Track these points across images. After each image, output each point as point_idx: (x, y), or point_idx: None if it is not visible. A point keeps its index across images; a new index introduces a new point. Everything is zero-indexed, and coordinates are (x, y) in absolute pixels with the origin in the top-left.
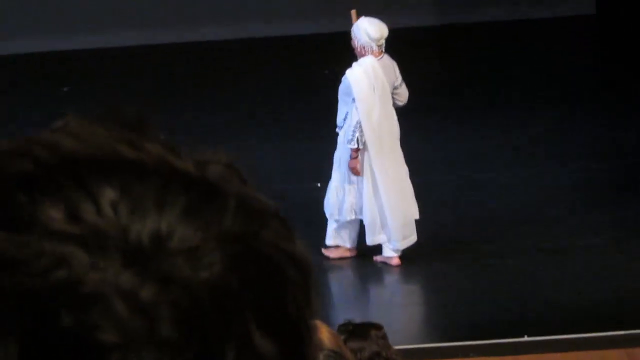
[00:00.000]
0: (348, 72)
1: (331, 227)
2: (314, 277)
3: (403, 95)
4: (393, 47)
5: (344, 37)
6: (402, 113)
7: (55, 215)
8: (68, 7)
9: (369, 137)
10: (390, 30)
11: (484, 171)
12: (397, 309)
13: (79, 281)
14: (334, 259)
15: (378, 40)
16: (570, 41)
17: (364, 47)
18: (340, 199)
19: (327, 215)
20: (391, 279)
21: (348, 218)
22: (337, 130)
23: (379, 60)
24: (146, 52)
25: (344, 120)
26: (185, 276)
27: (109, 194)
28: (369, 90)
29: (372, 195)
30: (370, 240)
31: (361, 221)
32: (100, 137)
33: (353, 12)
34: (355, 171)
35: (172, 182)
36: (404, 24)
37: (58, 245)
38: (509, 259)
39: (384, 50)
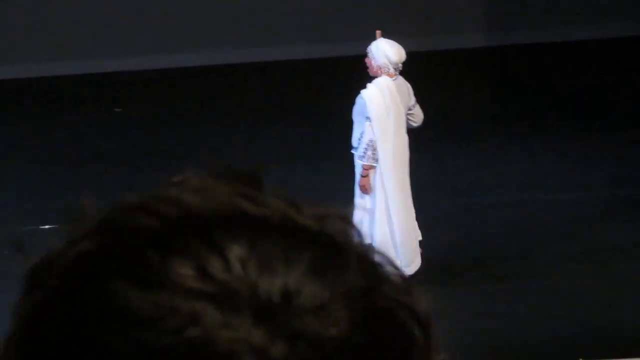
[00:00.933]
0: (363, 92)
1: None
2: (433, 331)
3: (418, 116)
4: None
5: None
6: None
7: (186, 272)
8: (120, 29)
9: (382, 156)
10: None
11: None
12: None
13: (212, 339)
14: None
15: (396, 63)
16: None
17: (380, 68)
18: (366, 224)
19: None
20: None
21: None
22: (352, 151)
23: (393, 80)
24: (204, 73)
25: (359, 140)
26: (314, 333)
27: (237, 251)
28: (384, 109)
29: (383, 215)
30: None
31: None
32: (223, 194)
33: (378, 33)
34: (364, 189)
35: (296, 238)
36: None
37: (190, 302)
38: (549, 278)
39: (399, 73)
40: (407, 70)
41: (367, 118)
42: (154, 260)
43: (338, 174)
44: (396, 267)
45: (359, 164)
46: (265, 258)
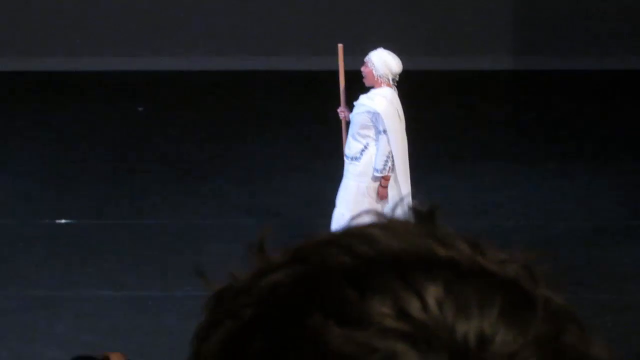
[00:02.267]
0: (373, 104)
1: None
2: None
3: None
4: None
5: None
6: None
7: (385, 311)
8: (149, 28)
9: (399, 165)
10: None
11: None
12: None
13: None
14: None
15: (397, 74)
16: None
17: (380, 77)
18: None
19: None
20: None
21: None
22: (346, 159)
23: (394, 91)
24: (222, 78)
25: (362, 152)
26: None
27: (433, 292)
28: (398, 120)
29: None
30: None
31: None
32: (412, 234)
33: (340, 47)
34: (384, 198)
35: (486, 283)
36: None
37: (389, 342)
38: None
39: (396, 84)
40: (426, 87)
41: (383, 131)
42: (352, 298)
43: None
44: (576, 316)
45: (359, 174)
46: (461, 301)
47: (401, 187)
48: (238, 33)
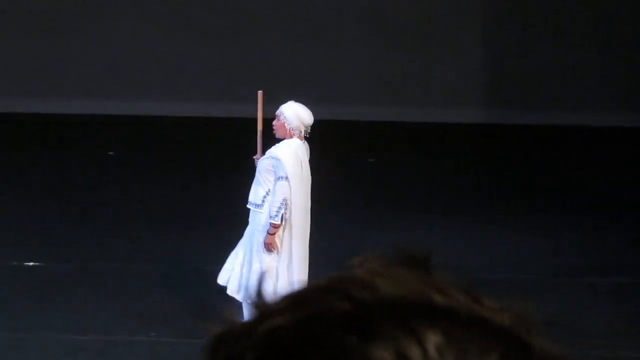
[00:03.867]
0: (277, 152)
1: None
2: None
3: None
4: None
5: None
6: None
7: (386, 357)
8: (122, 73)
9: (296, 215)
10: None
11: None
12: None
13: None
14: None
15: (309, 126)
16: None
17: (292, 130)
18: (271, 281)
19: (248, 300)
20: None
21: None
22: (249, 206)
23: (302, 143)
24: (194, 123)
25: (264, 198)
26: None
27: (434, 339)
28: (299, 168)
29: (286, 272)
30: None
31: None
32: (411, 281)
33: (260, 93)
34: (270, 247)
35: (485, 331)
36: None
37: None
38: None
39: (307, 136)
40: (402, 140)
41: (281, 177)
42: (353, 343)
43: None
44: None
45: (259, 220)
46: (460, 349)
47: (294, 240)
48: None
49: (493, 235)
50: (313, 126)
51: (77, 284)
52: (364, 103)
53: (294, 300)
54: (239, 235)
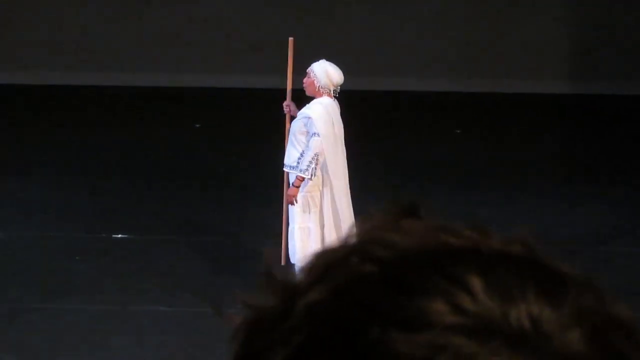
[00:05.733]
0: (309, 111)
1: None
2: None
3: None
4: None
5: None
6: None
7: (441, 309)
8: (216, 46)
9: (332, 169)
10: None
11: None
12: None
13: None
14: None
15: (338, 85)
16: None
17: (321, 88)
18: (306, 242)
19: (297, 262)
20: None
21: None
22: (285, 169)
23: (333, 101)
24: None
25: (299, 160)
26: (564, 355)
27: (476, 283)
28: (331, 126)
29: (334, 231)
30: None
31: None
32: (418, 230)
33: (291, 40)
34: (292, 200)
35: (510, 264)
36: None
37: (454, 337)
38: None
39: (337, 96)
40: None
41: (314, 134)
42: (402, 302)
43: None
44: (591, 280)
45: (292, 177)
46: (502, 287)
47: (338, 197)
48: None
49: (579, 208)
50: (410, 97)
51: (166, 256)
52: (451, 75)
53: (317, 272)
54: None
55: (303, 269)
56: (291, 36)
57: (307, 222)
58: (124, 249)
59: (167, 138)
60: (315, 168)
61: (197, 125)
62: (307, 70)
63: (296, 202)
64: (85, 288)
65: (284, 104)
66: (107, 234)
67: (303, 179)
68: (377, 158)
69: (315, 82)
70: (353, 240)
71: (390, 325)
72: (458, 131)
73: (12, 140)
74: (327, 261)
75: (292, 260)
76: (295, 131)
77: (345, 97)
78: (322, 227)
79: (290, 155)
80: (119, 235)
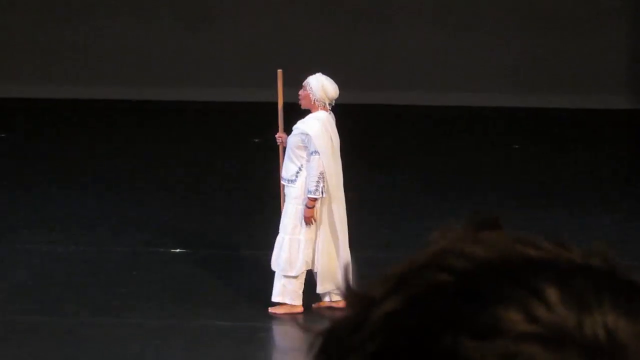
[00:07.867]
0: (305, 127)
1: (279, 283)
2: None
3: None
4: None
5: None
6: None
7: (515, 317)
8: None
9: (331, 185)
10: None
11: None
12: None
13: None
14: (281, 315)
15: (333, 99)
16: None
17: (316, 101)
18: (294, 253)
19: (278, 271)
20: None
21: (301, 272)
22: (283, 182)
23: (329, 114)
24: None
25: (297, 174)
26: None
27: (552, 292)
28: (329, 141)
29: (330, 243)
30: (321, 289)
31: (307, 272)
32: (498, 242)
33: (279, 72)
34: (310, 220)
35: (587, 276)
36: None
37: (527, 346)
38: None
39: (330, 108)
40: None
41: (314, 152)
42: (475, 311)
43: None
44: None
45: (296, 197)
46: (578, 298)
47: (334, 210)
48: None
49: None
50: (466, 113)
51: (222, 270)
52: (506, 91)
53: (392, 282)
54: None
55: (379, 280)
56: (279, 69)
57: (298, 234)
58: (181, 262)
59: (225, 152)
60: (324, 186)
61: (256, 140)
62: (303, 84)
63: (315, 222)
64: (142, 303)
65: (277, 135)
66: (165, 249)
67: (314, 200)
68: (432, 173)
69: (311, 95)
70: (430, 251)
71: (462, 333)
72: (516, 146)
73: (73, 155)
74: (403, 271)
75: (274, 268)
76: (292, 146)
77: (407, 112)
78: (316, 238)
79: (288, 169)
80: (177, 250)
